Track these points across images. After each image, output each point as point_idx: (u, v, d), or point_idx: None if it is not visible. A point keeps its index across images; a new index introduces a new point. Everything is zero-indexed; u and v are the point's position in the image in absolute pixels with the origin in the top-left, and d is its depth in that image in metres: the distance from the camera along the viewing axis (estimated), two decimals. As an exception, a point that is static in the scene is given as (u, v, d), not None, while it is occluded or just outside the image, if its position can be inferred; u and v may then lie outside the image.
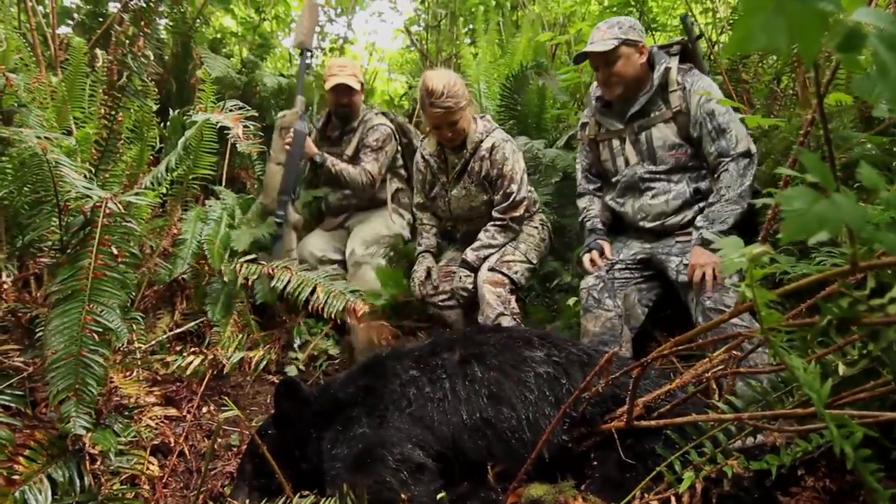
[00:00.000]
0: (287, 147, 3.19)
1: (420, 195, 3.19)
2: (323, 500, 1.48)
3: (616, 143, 2.64)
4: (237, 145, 1.99)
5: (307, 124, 3.39)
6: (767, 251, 0.84)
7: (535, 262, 2.95)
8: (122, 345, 2.03)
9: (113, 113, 2.56)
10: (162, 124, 3.20)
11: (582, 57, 2.58)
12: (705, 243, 2.30)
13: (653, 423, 1.52)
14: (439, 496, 1.31)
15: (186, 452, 2.14)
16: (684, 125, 2.46)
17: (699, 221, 2.40)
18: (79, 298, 1.72)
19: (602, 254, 2.64)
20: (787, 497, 1.67)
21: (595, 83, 2.70)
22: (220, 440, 2.25)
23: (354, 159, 3.50)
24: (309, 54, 3.42)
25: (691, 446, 1.43)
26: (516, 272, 2.83)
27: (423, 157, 3.04)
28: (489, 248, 2.88)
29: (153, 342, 2.51)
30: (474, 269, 2.87)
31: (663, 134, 2.50)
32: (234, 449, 2.22)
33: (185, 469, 2.10)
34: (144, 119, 2.67)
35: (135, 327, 2.06)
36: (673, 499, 1.37)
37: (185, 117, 2.99)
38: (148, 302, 2.94)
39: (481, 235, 2.91)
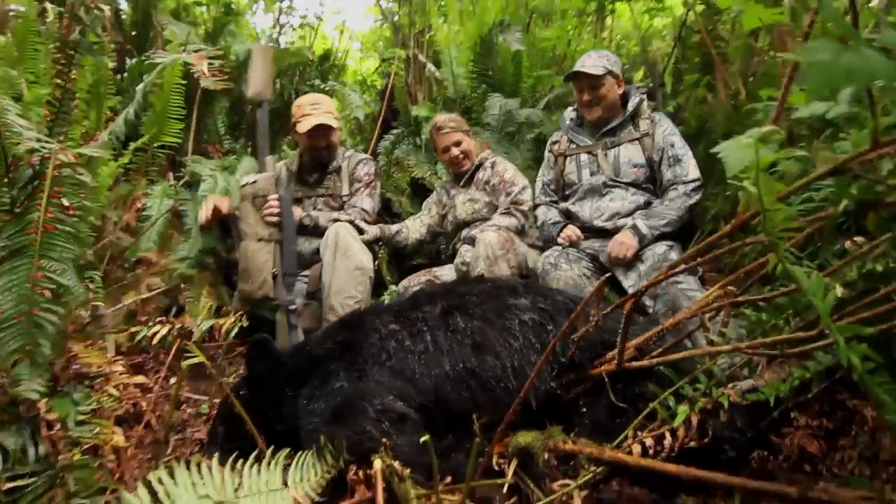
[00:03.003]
0: (270, 219, 2.69)
1: (425, 209, 3.31)
2: (300, 453, 1.39)
3: (584, 157, 2.92)
4: (201, 82, 1.85)
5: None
6: (776, 130, 0.77)
7: (530, 267, 2.87)
8: (85, 314, 1.89)
9: (66, 71, 2.41)
10: (121, 97, 3.04)
11: (572, 76, 2.87)
12: (635, 228, 2.61)
13: (646, 362, 1.46)
14: (423, 439, 1.22)
15: (153, 423, 2.03)
16: (648, 147, 2.80)
17: (637, 214, 2.70)
18: (28, 254, 1.59)
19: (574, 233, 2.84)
20: (780, 438, 1.64)
21: (569, 109, 3.08)
22: (189, 410, 2.14)
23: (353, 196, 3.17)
24: (266, 105, 2.86)
25: (685, 381, 1.37)
26: (519, 247, 2.80)
27: (443, 186, 3.38)
28: (491, 227, 2.85)
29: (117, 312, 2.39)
30: None
31: (629, 152, 2.82)
32: (204, 416, 2.11)
33: (153, 440, 1.99)
34: (101, 77, 2.51)
35: (91, 286, 1.93)
36: (668, 434, 1.31)
37: (144, 60, 2.72)
38: (112, 276, 2.81)
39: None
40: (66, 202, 1.64)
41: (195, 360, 1.50)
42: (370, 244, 2.94)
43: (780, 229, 0.87)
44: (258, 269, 2.64)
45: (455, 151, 3.08)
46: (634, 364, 1.47)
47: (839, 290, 1.24)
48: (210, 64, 1.86)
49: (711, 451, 1.40)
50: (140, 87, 2.13)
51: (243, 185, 2.79)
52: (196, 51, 2.04)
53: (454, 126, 3.10)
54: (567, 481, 1.37)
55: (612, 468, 1.38)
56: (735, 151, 0.87)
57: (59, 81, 2.42)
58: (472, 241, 2.85)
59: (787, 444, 1.60)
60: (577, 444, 1.40)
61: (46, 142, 1.71)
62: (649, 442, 1.33)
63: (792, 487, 1.12)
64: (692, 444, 1.30)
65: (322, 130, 3.04)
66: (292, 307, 2.60)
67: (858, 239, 1.36)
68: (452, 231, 3.20)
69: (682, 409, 1.31)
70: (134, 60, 2.88)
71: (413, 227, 3.17)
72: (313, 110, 3.04)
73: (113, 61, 2.57)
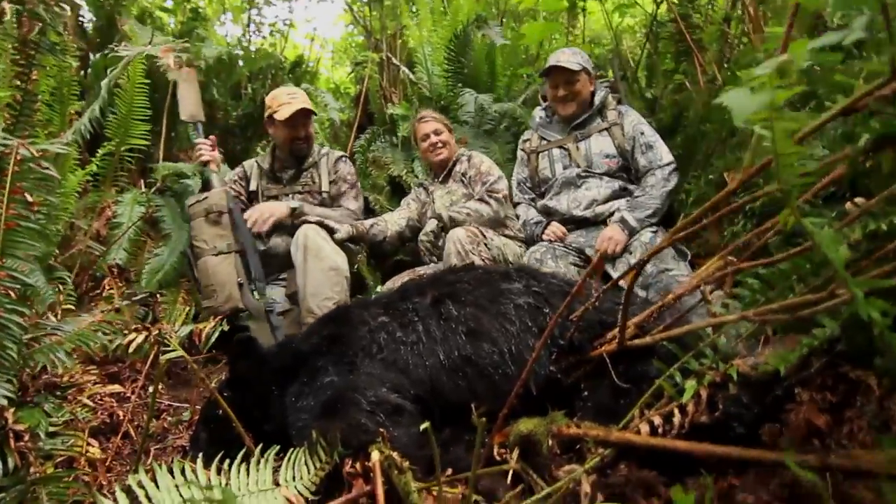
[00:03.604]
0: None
1: (404, 205, 3.23)
2: (291, 451, 1.30)
3: (556, 152, 2.97)
4: (168, 74, 1.77)
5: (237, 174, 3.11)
6: (792, 61, 0.72)
7: (509, 259, 2.82)
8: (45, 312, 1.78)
9: (26, 72, 2.30)
10: (85, 99, 2.92)
11: (547, 71, 2.91)
12: (623, 222, 2.64)
13: (649, 339, 1.40)
14: (423, 426, 1.15)
15: (132, 433, 1.92)
16: (618, 137, 2.86)
17: (622, 205, 2.75)
18: (-11, 253, 1.48)
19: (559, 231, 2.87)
20: (785, 414, 1.60)
21: (538, 108, 3.14)
22: (169, 418, 2.03)
23: (335, 196, 3.13)
24: (201, 127, 2.91)
25: (691, 356, 1.32)
26: (492, 240, 2.74)
27: (421, 183, 3.33)
28: (463, 209, 2.83)
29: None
30: (444, 225, 2.81)
31: (600, 144, 2.88)
32: (185, 423, 2.01)
33: (132, 451, 1.88)
34: (64, 79, 2.40)
35: (62, 288, 1.82)
36: (676, 411, 1.26)
37: (108, 54, 2.60)
38: (84, 286, 2.69)
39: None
40: (29, 198, 1.54)
41: (174, 355, 1.41)
42: (344, 243, 2.84)
43: (797, 175, 0.83)
44: (222, 283, 2.56)
45: (434, 139, 3.08)
46: (637, 342, 1.42)
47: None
48: (177, 57, 1.78)
49: (720, 428, 1.35)
50: (104, 81, 2.02)
51: (192, 204, 2.74)
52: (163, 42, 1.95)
53: (435, 117, 3.14)
54: (574, 466, 1.31)
55: (619, 450, 1.32)
56: (742, 95, 0.83)
57: (19, 83, 2.31)
58: (439, 217, 2.85)
59: (792, 420, 1.56)
60: (581, 428, 1.34)
61: (6, 137, 1.62)
62: (657, 420, 1.28)
63: (811, 456, 1.08)
64: (703, 419, 1.25)
65: (302, 117, 2.97)
66: (269, 308, 2.53)
67: (859, 200, 1.34)
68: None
69: (690, 384, 1.27)
70: (98, 55, 2.75)
71: (392, 220, 3.07)
72: (291, 99, 2.96)
73: (76, 61, 2.46)
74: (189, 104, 2.80)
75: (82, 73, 2.60)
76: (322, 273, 2.58)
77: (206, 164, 2.86)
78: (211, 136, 2.95)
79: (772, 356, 1.28)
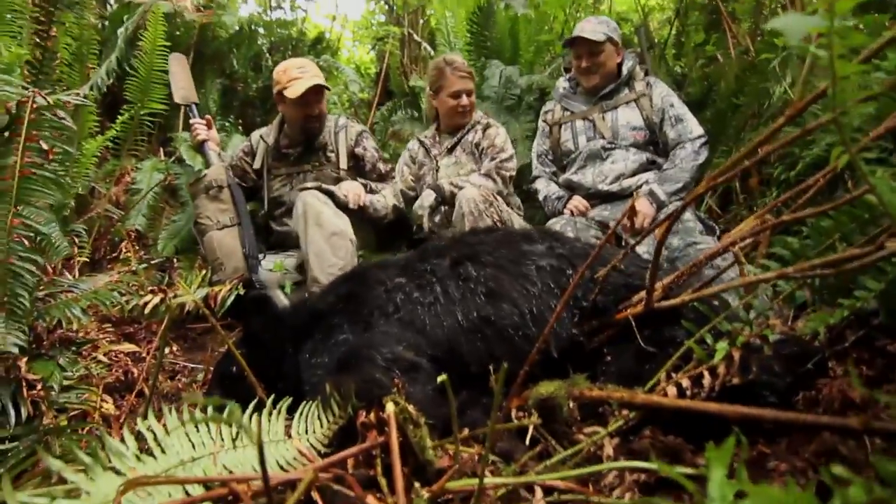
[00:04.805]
0: (226, 207, 2.74)
1: (398, 173, 3.10)
2: (304, 404, 1.27)
3: (580, 123, 2.88)
4: (185, 14, 1.73)
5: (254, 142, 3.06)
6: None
7: None
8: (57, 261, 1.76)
9: (46, 29, 2.28)
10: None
11: (571, 41, 2.81)
12: (652, 195, 2.56)
13: (678, 300, 1.34)
14: (440, 379, 1.10)
15: (146, 391, 1.91)
16: (647, 109, 2.76)
17: (651, 178, 2.67)
18: (4, 200, 1.46)
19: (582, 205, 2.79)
20: (818, 388, 1.53)
21: (562, 78, 3.04)
22: (184, 379, 2.02)
23: (360, 173, 3.03)
24: (196, 107, 2.92)
25: (723, 317, 1.26)
26: (502, 205, 2.66)
27: (419, 140, 3.13)
28: (466, 182, 2.71)
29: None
30: (443, 198, 2.69)
31: (627, 115, 2.78)
32: (199, 384, 1.99)
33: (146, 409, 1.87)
34: (83, 37, 2.38)
35: (77, 241, 1.81)
36: (706, 373, 1.20)
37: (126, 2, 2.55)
38: (102, 250, 2.68)
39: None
40: (44, 146, 1.52)
41: (184, 299, 1.38)
42: (346, 209, 2.69)
43: (854, 101, 0.76)
44: (228, 255, 2.60)
45: (465, 100, 2.89)
46: (665, 304, 1.36)
47: None
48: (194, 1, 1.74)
49: (751, 396, 1.29)
50: (121, 30, 1.99)
51: (192, 183, 2.76)
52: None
53: (470, 73, 2.93)
54: (596, 428, 1.26)
55: (644, 415, 1.26)
56: (796, 17, 0.77)
57: (38, 41, 2.29)
58: (437, 189, 2.71)
59: (826, 393, 1.49)
60: (605, 390, 1.29)
61: (24, 87, 1.60)
62: (686, 383, 1.22)
63: (854, 419, 1.01)
64: (735, 381, 1.18)
65: (315, 94, 2.80)
66: (260, 285, 2.55)
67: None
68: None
69: (722, 346, 1.20)
70: (115, 6, 2.73)
71: (389, 195, 2.92)
72: (301, 73, 2.78)
73: (95, 17, 2.44)
74: (181, 87, 2.84)
75: (101, 28, 2.57)
76: (324, 240, 2.51)
77: (203, 142, 2.87)
78: (207, 116, 2.95)
79: (811, 318, 1.22)
